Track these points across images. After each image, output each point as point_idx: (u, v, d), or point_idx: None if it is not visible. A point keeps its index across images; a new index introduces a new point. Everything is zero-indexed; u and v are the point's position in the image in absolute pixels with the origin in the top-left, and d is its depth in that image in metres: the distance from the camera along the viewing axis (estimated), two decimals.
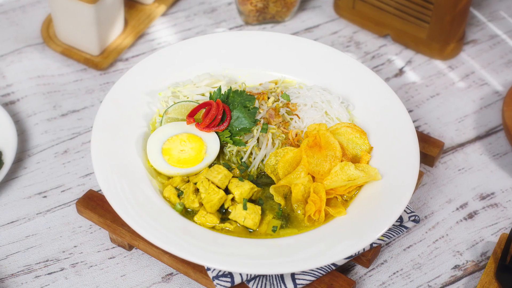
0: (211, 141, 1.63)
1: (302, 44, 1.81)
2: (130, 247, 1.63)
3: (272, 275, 1.50)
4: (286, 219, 1.55)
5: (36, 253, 1.62)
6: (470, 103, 1.93)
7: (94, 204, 1.59)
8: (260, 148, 1.64)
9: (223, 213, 1.55)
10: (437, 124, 1.88)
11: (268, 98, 1.71)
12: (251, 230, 1.53)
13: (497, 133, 1.87)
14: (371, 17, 2.05)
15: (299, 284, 1.49)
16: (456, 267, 1.61)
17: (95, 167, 1.55)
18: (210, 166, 1.62)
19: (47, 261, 1.61)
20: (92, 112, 1.89)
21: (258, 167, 1.63)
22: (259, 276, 1.50)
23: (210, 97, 1.70)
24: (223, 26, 2.11)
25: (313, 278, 1.50)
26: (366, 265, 1.58)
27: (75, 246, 1.64)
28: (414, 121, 1.89)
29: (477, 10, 2.16)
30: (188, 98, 1.72)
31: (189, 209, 1.55)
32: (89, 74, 1.97)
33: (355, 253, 1.53)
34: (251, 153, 1.64)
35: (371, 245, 1.55)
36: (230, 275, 1.49)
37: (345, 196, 1.58)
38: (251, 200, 1.57)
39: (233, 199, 1.56)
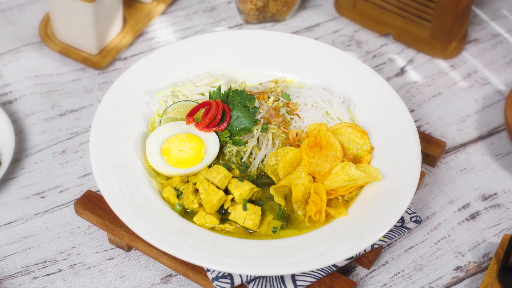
0: (210, 141, 1.62)
1: (303, 43, 1.81)
2: (128, 248, 1.62)
3: (272, 277, 1.50)
4: (286, 220, 1.54)
5: (34, 254, 1.61)
6: (472, 102, 1.92)
7: (93, 205, 1.58)
8: (260, 148, 1.63)
9: (222, 214, 1.54)
10: (439, 124, 1.87)
11: (268, 97, 1.71)
12: (251, 231, 1.53)
13: (499, 133, 1.86)
14: (372, 16, 2.04)
15: (299, 286, 1.49)
16: (458, 268, 1.61)
17: (93, 168, 1.54)
18: (209, 166, 1.61)
19: (45, 262, 1.60)
20: (90, 112, 1.88)
21: (258, 168, 1.62)
22: (259, 277, 1.49)
23: (210, 97, 1.69)
24: (222, 25, 2.10)
25: (313, 280, 1.49)
26: (367, 266, 1.57)
27: (73, 247, 1.63)
28: (415, 121, 1.88)
29: (479, 8, 2.15)
30: (187, 97, 1.71)
31: (188, 210, 1.54)
32: (88, 73, 1.96)
33: (356, 254, 1.52)
34: (251, 153, 1.63)
35: (372, 246, 1.54)
36: (229, 276, 1.48)
37: (346, 197, 1.57)
38: (251, 201, 1.56)
39: (233, 200, 1.55)
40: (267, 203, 1.57)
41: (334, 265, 1.51)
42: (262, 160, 1.62)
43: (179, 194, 1.56)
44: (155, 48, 2.03)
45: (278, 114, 1.67)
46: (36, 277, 1.58)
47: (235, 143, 1.62)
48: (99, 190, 1.67)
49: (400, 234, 1.57)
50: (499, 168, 1.78)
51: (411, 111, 1.90)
